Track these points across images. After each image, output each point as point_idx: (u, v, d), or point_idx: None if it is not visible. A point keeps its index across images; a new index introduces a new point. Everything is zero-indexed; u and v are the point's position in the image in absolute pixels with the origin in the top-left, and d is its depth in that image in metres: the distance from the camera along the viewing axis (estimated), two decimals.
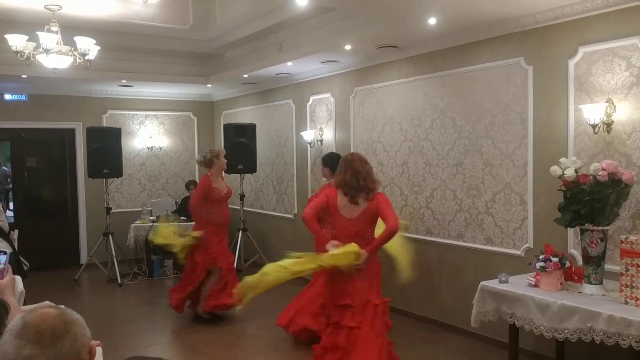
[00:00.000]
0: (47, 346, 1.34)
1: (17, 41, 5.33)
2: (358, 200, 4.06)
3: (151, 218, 8.40)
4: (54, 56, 5.42)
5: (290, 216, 8.07)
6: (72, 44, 5.54)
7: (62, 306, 1.65)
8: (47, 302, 2.22)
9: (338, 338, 4.07)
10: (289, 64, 6.80)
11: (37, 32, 5.31)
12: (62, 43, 5.48)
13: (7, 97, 8.53)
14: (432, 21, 4.79)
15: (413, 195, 6.00)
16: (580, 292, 3.79)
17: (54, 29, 5.42)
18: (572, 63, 4.42)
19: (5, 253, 2.72)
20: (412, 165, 6.01)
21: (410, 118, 6.01)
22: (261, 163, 8.59)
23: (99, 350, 1.81)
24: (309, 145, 7.49)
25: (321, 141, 7.32)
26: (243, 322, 6.03)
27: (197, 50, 7.92)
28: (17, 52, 5.37)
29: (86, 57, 5.57)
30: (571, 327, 3.50)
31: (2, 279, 2.60)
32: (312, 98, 7.58)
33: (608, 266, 3.93)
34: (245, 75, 7.68)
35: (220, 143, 9.17)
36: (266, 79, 7.94)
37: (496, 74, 5.07)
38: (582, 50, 4.35)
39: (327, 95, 7.27)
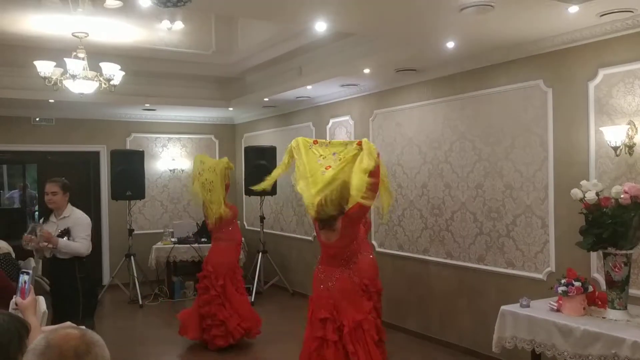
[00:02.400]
0: None
1: (45, 67, 5.50)
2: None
3: (173, 239, 8.49)
4: (80, 81, 5.57)
5: (310, 238, 8.07)
6: (98, 70, 5.70)
7: (83, 327, 1.69)
8: (68, 323, 2.26)
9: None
10: (309, 87, 6.88)
11: (65, 59, 5.48)
12: (88, 69, 5.64)
13: (35, 120, 8.76)
14: (450, 45, 4.82)
15: (433, 218, 5.97)
16: (604, 318, 3.70)
17: (81, 55, 5.58)
18: (592, 85, 4.40)
19: (28, 273, 2.77)
20: (432, 188, 5.99)
21: (429, 141, 6.01)
22: (281, 185, 8.61)
23: None
24: None
25: None
26: (263, 346, 6.01)
27: (219, 75, 8.07)
28: (45, 78, 5.54)
29: (111, 82, 5.72)
30: (595, 353, 3.42)
31: (24, 299, 2.65)
32: (331, 121, 7.63)
33: (632, 291, 3.85)
34: (266, 99, 7.79)
35: (241, 165, 9.25)
36: (286, 102, 8.04)
37: (515, 97, 5.06)
38: (602, 73, 4.33)
39: (347, 117, 7.32)
